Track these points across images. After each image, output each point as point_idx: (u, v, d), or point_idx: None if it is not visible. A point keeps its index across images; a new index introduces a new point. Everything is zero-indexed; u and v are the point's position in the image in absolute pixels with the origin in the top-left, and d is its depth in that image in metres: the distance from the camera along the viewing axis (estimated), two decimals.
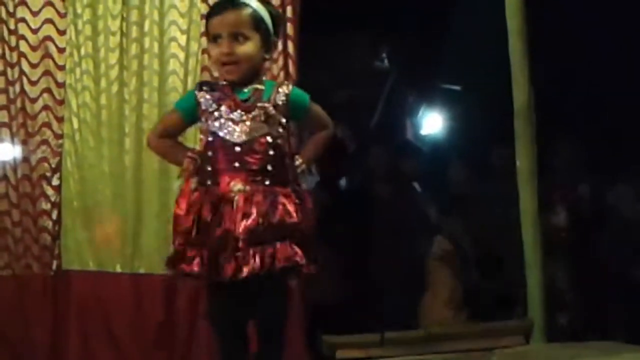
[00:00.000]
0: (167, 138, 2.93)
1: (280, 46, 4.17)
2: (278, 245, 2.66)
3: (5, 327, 4.15)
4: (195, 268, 2.68)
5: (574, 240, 5.14)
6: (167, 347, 4.07)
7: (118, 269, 4.13)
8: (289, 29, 4.16)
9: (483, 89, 5.69)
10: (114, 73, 4.22)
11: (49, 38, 4.25)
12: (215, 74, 4.00)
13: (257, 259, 2.62)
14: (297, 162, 2.85)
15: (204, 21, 3.45)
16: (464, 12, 5.83)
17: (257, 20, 2.78)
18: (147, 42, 4.22)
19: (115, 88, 4.21)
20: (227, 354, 2.81)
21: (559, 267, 4.78)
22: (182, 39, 4.19)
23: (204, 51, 4.09)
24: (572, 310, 4.97)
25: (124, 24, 4.22)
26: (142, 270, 4.12)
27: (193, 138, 3.77)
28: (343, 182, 5.44)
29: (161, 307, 4.07)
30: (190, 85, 4.16)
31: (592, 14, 5.41)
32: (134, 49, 4.22)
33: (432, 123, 6.53)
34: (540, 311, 4.15)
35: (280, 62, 4.16)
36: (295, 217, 2.69)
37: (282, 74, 4.15)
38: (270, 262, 2.64)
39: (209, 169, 2.75)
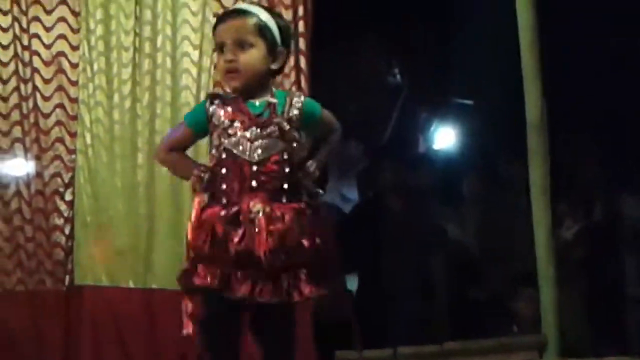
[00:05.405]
0: (176, 152, 2.83)
1: (292, 61, 4.19)
2: (300, 274, 2.61)
3: (19, 342, 4.15)
4: (208, 281, 2.61)
5: (587, 255, 5.12)
6: None
7: (131, 284, 4.13)
8: (301, 43, 4.17)
9: (495, 103, 5.68)
10: (126, 88, 4.23)
11: (62, 54, 4.28)
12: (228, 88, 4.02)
13: (275, 289, 2.58)
14: (311, 169, 2.76)
15: None
16: (476, 27, 5.83)
17: (262, 27, 2.71)
18: (159, 57, 4.23)
19: (128, 103, 4.23)
20: None
21: (572, 281, 4.75)
22: (195, 55, 4.20)
23: (216, 66, 4.10)
24: (586, 325, 4.94)
25: (137, 40, 4.24)
26: (154, 286, 4.12)
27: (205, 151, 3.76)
28: (356, 196, 5.43)
29: (174, 323, 4.05)
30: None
31: (604, 25, 5.39)
32: (146, 64, 4.23)
33: (444, 137, 6.52)
34: (553, 326, 4.13)
35: (293, 77, 4.17)
36: (313, 240, 2.63)
37: (294, 88, 4.16)
38: (287, 296, 2.59)
39: (224, 187, 2.66)
